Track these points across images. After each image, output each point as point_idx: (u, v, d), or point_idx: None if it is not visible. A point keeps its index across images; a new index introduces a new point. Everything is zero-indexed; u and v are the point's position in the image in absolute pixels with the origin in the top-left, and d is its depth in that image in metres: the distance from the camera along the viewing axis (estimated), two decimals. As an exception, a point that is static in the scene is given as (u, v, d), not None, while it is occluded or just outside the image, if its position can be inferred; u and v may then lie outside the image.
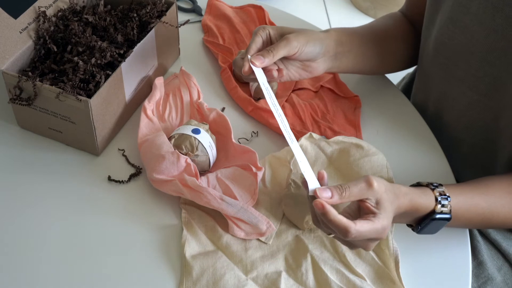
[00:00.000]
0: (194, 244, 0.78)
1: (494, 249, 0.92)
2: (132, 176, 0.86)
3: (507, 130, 0.85)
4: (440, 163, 0.92)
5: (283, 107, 0.98)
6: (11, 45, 0.86)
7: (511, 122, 0.83)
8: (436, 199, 0.74)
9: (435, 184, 0.76)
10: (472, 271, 0.86)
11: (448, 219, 0.75)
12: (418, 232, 0.76)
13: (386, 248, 0.79)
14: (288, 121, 0.81)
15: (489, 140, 0.89)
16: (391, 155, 0.89)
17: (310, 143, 0.89)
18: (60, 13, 0.93)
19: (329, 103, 1.00)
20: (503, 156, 0.87)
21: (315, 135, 0.90)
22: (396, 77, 1.14)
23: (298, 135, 0.91)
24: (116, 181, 0.86)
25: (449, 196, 0.75)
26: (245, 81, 0.98)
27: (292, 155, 0.87)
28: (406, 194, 0.72)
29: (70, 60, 0.87)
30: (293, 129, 0.92)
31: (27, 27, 0.89)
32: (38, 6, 0.91)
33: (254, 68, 0.77)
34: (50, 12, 0.92)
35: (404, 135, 0.96)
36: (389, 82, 1.05)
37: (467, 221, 0.79)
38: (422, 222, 0.75)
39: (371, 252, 0.79)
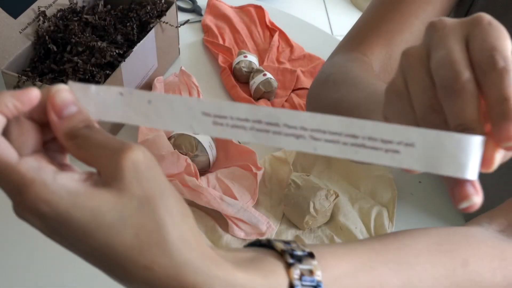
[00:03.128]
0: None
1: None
2: (132, 176, 0.86)
3: None
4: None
5: (283, 107, 0.98)
6: (11, 45, 0.86)
7: None
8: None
9: (297, 253, 0.40)
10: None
11: None
12: None
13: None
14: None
15: None
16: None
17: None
18: (60, 13, 0.93)
19: (329, 103, 1.00)
20: None
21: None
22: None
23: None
24: (116, 181, 0.86)
25: (319, 282, 0.39)
26: (245, 81, 0.98)
27: (292, 155, 0.87)
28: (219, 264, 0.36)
29: (70, 60, 0.87)
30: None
31: (27, 27, 0.89)
32: (38, 6, 0.91)
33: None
34: (50, 12, 0.92)
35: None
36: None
37: None
38: None
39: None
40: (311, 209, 0.78)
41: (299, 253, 0.40)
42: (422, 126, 0.37)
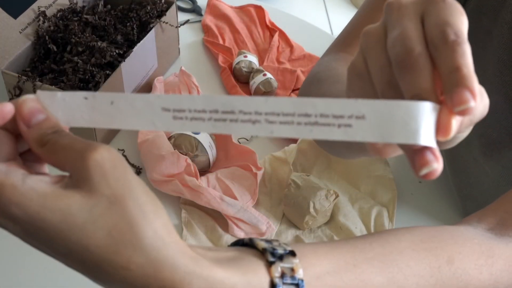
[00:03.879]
0: (194, 244, 0.78)
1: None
2: (132, 176, 0.86)
3: None
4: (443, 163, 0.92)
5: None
6: (11, 45, 0.86)
7: None
8: (273, 286, 0.38)
9: (278, 252, 0.39)
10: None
11: None
12: None
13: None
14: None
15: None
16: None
17: (310, 142, 0.89)
18: (60, 13, 0.93)
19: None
20: None
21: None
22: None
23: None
24: (116, 181, 0.86)
25: (301, 280, 0.39)
26: (245, 81, 0.98)
27: (292, 155, 0.87)
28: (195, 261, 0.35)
29: (70, 60, 0.87)
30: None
31: (27, 27, 0.89)
32: (38, 6, 0.91)
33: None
34: (50, 12, 0.92)
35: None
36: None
37: None
38: None
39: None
40: (311, 209, 0.78)
41: (280, 251, 0.39)
42: None
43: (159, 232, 0.34)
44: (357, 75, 0.41)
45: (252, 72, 0.99)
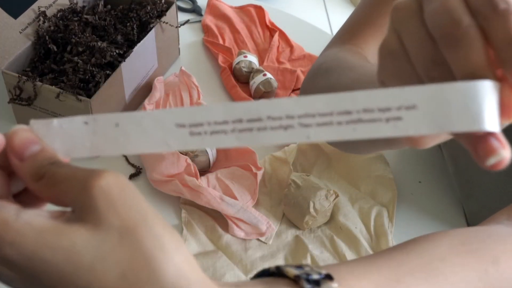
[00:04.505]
0: (194, 244, 0.78)
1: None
2: (132, 176, 0.86)
3: None
4: (443, 163, 0.92)
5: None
6: (11, 45, 0.86)
7: None
8: None
9: (313, 277, 0.35)
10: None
11: None
12: None
13: (386, 248, 0.79)
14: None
15: None
16: (392, 155, 0.89)
17: (310, 142, 0.89)
18: (60, 13, 0.93)
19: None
20: None
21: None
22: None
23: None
24: (116, 181, 0.86)
25: None
26: (245, 81, 0.98)
27: (292, 155, 0.87)
28: None
29: (70, 60, 0.87)
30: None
31: (27, 27, 0.89)
32: (38, 6, 0.91)
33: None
34: (50, 12, 0.92)
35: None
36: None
37: None
38: None
39: (371, 252, 0.79)
40: (311, 209, 0.78)
41: (315, 276, 0.35)
42: (426, 84, 0.32)
43: (182, 268, 0.29)
44: (391, 55, 0.35)
45: (252, 72, 0.99)
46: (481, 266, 0.44)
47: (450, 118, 0.29)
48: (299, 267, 0.36)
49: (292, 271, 0.35)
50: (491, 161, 0.30)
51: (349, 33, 0.73)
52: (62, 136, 0.33)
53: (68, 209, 0.31)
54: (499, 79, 0.31)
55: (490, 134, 0.30)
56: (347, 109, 0.30)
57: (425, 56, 0.33)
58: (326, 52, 0.73)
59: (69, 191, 0.30)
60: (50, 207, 0.32)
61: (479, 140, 0.30)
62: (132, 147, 0.32)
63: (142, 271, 0.28)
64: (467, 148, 0.31)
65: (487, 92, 0.29)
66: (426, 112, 0.29)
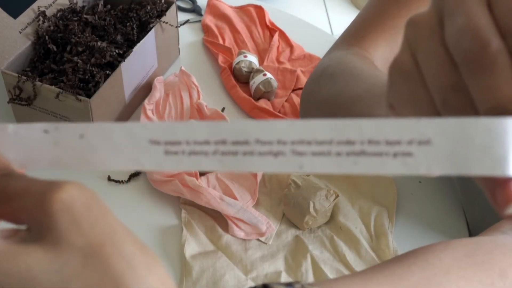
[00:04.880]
0: (194, 244, 0.78)
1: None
2: (132, 176, 0.86)
3: None
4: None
5: (283, 107, 0.98)
6: (10, 45, 0.86)
7: None
8: None
9: None
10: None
11: None
12: None
13: (386, 248, 0.79)
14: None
15: None
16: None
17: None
18: (59, 13, 0.93)
19: (329, 103, 1.00)
20: None
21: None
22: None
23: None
24: (116, 181, 0.86)
25: None
26: (245, 81, 0.98)
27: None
28: None
29: (70, 60, 0.87)
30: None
31: (26, 27, 0.89)
32: (38, 6, 0.91)
33: None
34: (49, 12, 0.92)
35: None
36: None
37: None
38: None
39: (371, 252, 0.79)
40: (311, 209, 0.78)
41: None
42: (441, 113, 0.29)
43: None
44: (403, 76, 0.31)
45: (252, 72, 0.99)
46: (487, 279, 0.41)
47: (469, 159, 0.25)
48: (289, 285, 0.33)
49: None
50: (511, 209, 0.26)
51: (355, 35, 0.68)
52: (19, 144, 0.29)
53: (23, 227, 0.27)
54: None
55: (511, 180, 0.26)
56: (349, 138, 0.26)
57: (444, 81, 0.29)
58: (331, 55, 0.69)
59: (24, 207, 0.26)
60: (1, 225, 0.28)
61: (499, 186, 0.26)
62: (98, 162, 0.29)
63: None
64: (484, 190, 0.28)
65: None
66: (441, 149, 0.25)
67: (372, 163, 0.26)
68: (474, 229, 0.84)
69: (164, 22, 0.94)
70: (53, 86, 0.82)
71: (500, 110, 0.26)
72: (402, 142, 0.26)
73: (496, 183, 0.26)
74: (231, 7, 1.16)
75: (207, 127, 0.27)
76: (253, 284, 0.75)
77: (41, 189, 0.26)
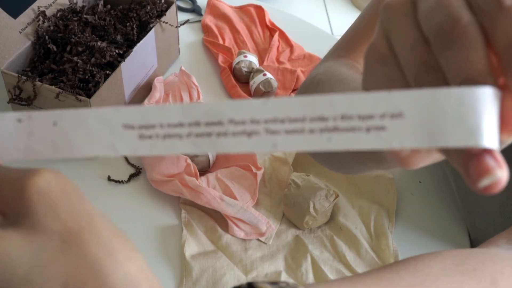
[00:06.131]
0: (194, 244, 0.78)
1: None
2: (132, 176, 0.86)
3: None
4: (443, 163, 0.92)
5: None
6: (10, 45, 0.86)
7: None
8: None
9: None
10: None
11: None
12: None
13: (386, 248, 0.79)
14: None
15: None
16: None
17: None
18: (59, 13, 0.93)
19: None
20: None
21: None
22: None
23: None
24: (115, 181, 0.86)
25: None
26: (245, 81, 0.98)
27: (292, 155, 0.87)
28: None
29: (70, 60, 0.87)
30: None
31: (26, 27, 0.89)
32: (38, 6, 0.91)
33: None
34: (49, 12, 0.92)
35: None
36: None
37: None
38: None
39: (371, 252, 0.79)
40: (311, 209, 0.78)
41: None
42: None
43: (134, 277, 0.26)
44: (378, 59, 0.31)
45: (252, 72, 0.99)
46: (478, 287, 0.41)
47: (442, 130, 0.25)
48: (275, 283, 0.33)
49: (266, 287, 0.32)
50: (484, 182, 0.25)
51: (346, 47, 0.69)
52: None
53: None
54: (501, 88, 0.26)
55: (485, 152, 0.25)
56: (322, 115, 0.26)
57: (417, 59, 0.28)
58: (321, 65, 0.70)
59: (0, 195, 0.26)
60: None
61: (472, 158, 0.25)
62: (73, 150, 0.28)
63: (87, 281, 0.25)
64: (457, 167, 0.27)
65: (487, 101, 0.25)
66: (414, 121, 0.25)
67: (345, 139, 0.26)
68: (473, 231, 0.84)
69: (164, 22, 0.94)
70: (53, 86, 0.82)
71: (471, 82, 0.26)
72: (375, 116, 0.25)
73: (470, 157, 0.26)
74: (231, 7, 1.16)
75: (181, 108, 0.27)
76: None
77: (17, 176, 0.26)
